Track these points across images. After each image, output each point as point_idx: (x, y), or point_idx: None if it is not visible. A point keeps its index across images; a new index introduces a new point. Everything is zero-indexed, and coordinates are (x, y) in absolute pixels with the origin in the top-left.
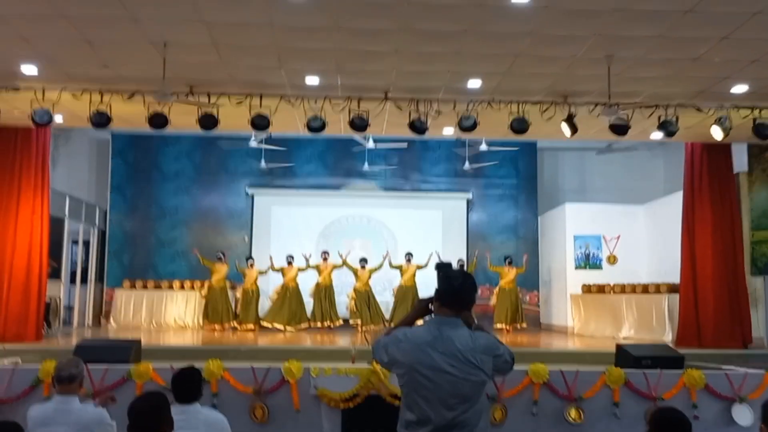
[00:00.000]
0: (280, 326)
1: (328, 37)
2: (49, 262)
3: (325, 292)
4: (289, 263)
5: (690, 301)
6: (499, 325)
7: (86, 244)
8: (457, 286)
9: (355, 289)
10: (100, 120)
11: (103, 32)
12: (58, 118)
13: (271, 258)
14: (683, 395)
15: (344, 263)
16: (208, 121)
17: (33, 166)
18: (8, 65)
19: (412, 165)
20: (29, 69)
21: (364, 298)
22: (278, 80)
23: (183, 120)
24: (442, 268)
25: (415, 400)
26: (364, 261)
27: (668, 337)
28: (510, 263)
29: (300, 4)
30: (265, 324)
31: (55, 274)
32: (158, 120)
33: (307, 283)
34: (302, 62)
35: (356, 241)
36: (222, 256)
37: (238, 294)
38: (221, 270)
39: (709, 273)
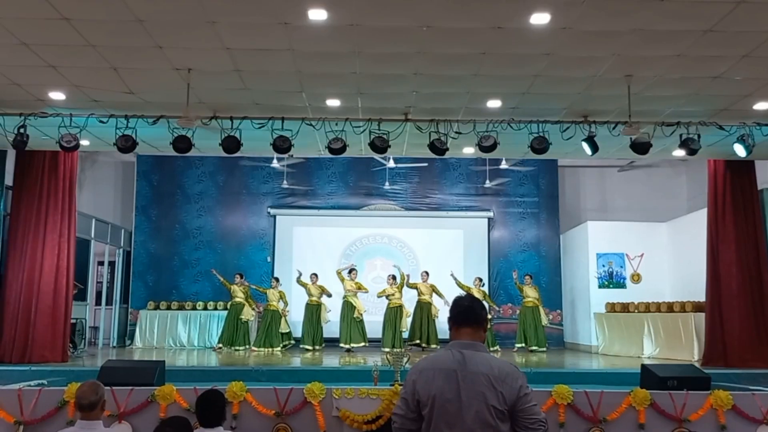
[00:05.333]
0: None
1: (348, 61)
2: (75, 285)
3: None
4: (313, 282)
5: (716, 320)
6: (518, 345)
7: (111, 265)
8: (466, 304)
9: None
10: (126, 144)
11: (129, 60)
12: (84, 143)
13: (299, 275)
14: (711, 417)
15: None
16: (231, 144)
17: (60, 189)
18: (37, 92)
19: (432, 184)
20: (57, 95)
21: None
22: (299, 104)
23: (206, 143)
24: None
25: (438, 427)
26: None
27: (695, 356)
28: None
29: (320, 30)
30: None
31: (80, 295)
32: (182, 144)
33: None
34: (323, 86)
35: (377, 261)
36: (238, 278)
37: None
38: (236, 291)
39: (734, 291)
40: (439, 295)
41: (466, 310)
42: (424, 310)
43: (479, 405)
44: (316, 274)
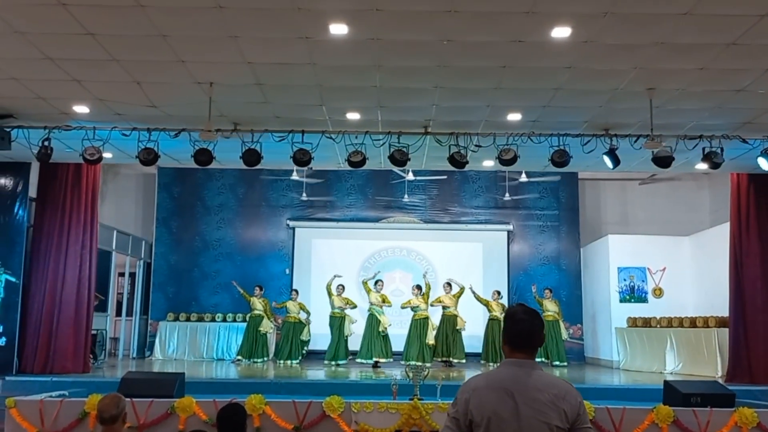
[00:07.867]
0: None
1: (368, 75)
2: (97, 296)
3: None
4: (339, 294)
5: (740, 336)
6: (539, 360)
7: (132, 276)
8: (526, 329)
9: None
10: (148, 157)
11: (152, 74)
12: (107, 156)
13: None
14: None
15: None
16: (252, 157)
17: (83, 201)
18: (62, 106)
19: (451, 197)
20: (81, 109)
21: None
22: (320, 117)
23: (227, 156)
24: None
25: None
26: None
27: (718, 372)
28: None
29: (341, 45)
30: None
31: (101, 306)
32: (203, 156)
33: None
34: (343, 100)
35: (396, 274)
36: (258, 290)
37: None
38: (255, 303)
39: (759, 306)
40: (479, 298)
41: (528, 338)
42: (449, 323)
43: (540, 425)
44: (342, 286)
